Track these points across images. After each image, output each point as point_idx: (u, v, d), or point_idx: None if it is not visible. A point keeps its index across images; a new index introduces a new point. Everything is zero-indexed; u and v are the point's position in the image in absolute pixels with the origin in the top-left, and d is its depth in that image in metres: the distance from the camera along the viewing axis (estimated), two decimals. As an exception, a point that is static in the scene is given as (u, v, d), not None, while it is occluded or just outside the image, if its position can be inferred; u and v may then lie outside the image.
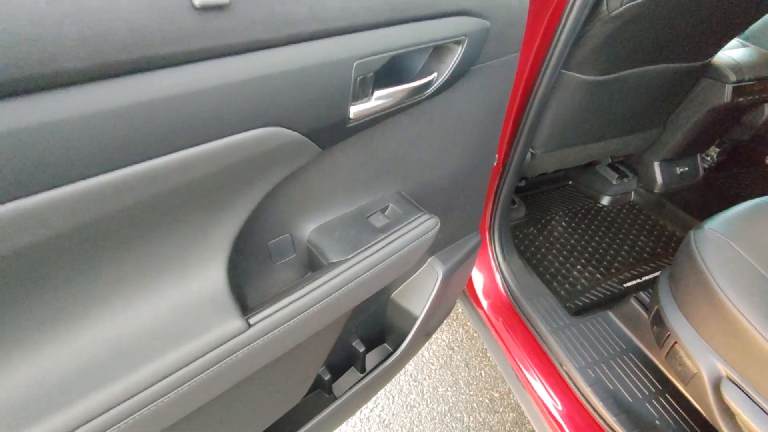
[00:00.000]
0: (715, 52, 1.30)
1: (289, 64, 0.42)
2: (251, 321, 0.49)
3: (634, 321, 1.15)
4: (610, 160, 1.73)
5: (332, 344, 0.75)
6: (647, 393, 1.03)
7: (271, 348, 0.53)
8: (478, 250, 1.06)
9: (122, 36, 0.32)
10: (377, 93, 0.54)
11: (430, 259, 0.92)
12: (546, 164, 1.42)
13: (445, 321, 1.75)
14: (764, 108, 1.56)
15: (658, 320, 0.99)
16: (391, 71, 0.59)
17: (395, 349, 0.97)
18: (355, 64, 0.47)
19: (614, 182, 1.69)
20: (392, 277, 0.67)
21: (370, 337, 0.99)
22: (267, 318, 0.50)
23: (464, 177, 0.82)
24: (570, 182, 1.82)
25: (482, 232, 1.29)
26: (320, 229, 0.63)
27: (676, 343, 0.93)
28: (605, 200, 1.71)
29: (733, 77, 1.36)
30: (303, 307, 0.54)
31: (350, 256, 0.60)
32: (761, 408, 0.77)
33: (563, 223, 1.61)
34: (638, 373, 1.07)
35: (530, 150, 1.32)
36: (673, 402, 1.02)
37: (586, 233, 1.57)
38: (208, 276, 0.49)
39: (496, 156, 1.12)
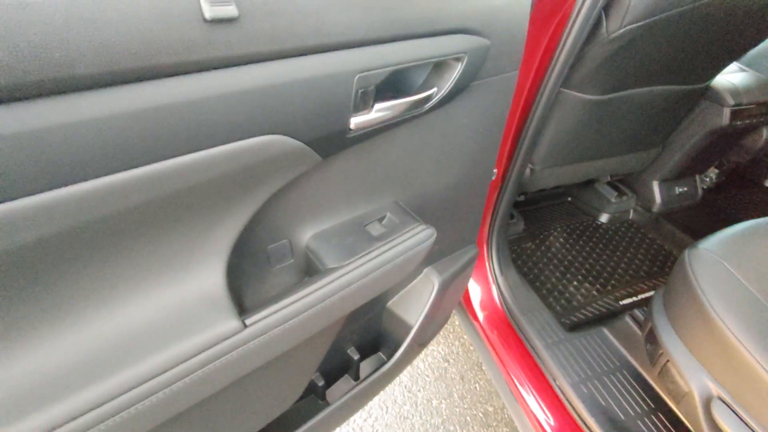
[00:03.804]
0: (714, 75, 1.33)
1: (293, 76, 0.44)
2: (247, 322, 0.50)
3: (628, 338, 1.16)
4: (609, 178, 1.75)
5: (326, 349, 0.76)
6: (639, 411, 1.03)
7: (265, 350, 0.54)
8: (475, 262, 1.07)
9: (134, 45, 0.33)
10: (378, 105, 0.56)
11: (426, 269, 0.94)
12: (545, 180, 1.43)
13: (441, 333, 1.76)
14: (762, 131, 1.58)
15: (652, 338, 0.99)
16: (392, 84, 0.61)
17: (389, 358, 0.98)
18: (356, 77, 0.49)
19: (613, 200, 1.70)
20: (387, 285, 0.68)
21: (365, 345, 1.00)
22: (263, 320, 0.52)
23: (462, 189, 0.83)
24: (569, 199, 1.83)
25: (480, 245, 1.30)
26: (318, 235, 0.65)
27: (668, 361, 0.93)
28: (604, 218, 1.72)
29: (731, 101, 1.38)
30: (298, 310, 0.55)
31: (346, 262, 0.61)
32: (752, 429, 0.77)
33: (561, 239, 1.62)
34: (631, 390, 1.07)
35: (530, 165, 1.34)
36: (665, 421, 1.02)
37: (584, 250, 1.58)
38: (208, 277, 0.50)
39: (495, 170, 1.13)
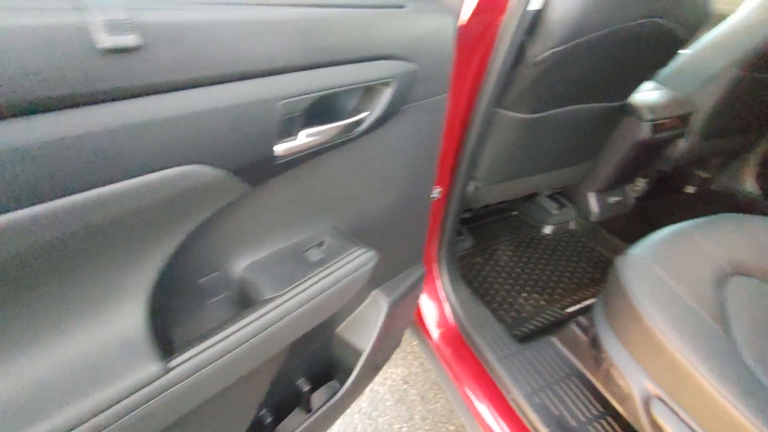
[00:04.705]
0: (631, 93, 1.44)
1: (210, 104, 0.43)
2: (171, 364, 0.47)
3: (575, 345, 1.19)
4: (550, 192, 1.83)
5: (268, 385, 0.72)
6: (590, 416, 1.06)
7: (194, 393, 0.50)
8: (423, 281, 1.07)
9: (18, 77, 0.31)
10: (307, 131, 0.55)
11: (374, 292, 0.93)
12: (489, 196, 1.48)
13: (399, 354, 1.74)
14: (680, 143, 1.73)
15: (595, 344, 1.03)
16: (325, 109, 0.61)
17: (342, 386, 0.95)
18: (279, 104, 0.48)
19: (554, 212, 1.78)
20: (330, 311, 0.67)
21: (317, 374, 0.97)
22: (189, 361, 0.48)
23: (402, 210, 0.84)
24: (514, 213, 1.90)
25: (429, 264, 1.32)
26: (254, 265, 0.63)
27: (611, 365, 0.97)
28: (547, 229, 1.80)
29: (649, 115, 1.50)
30: (231, 346, 0.53)
31: (283, 291, 0.59)
32: (688, 425, 0.81)
33: (509, 252, 1.67)
34: (581, 396, 1.10)
35: (474, 183, 1.38)
36: (614, 423, 1.05)
37: (530, 261, 1.63)
38: (126, 318, 0.46)
39: (440, 189, 1.16)
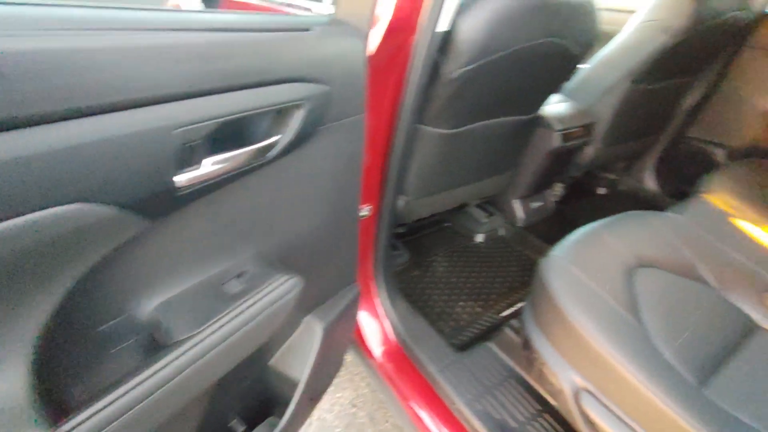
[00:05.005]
0: (540, 106, 1.55)
1: (91, 136, 0.39)
2: (60, 430, 0.42)
3: (510, 348, 1.24)
4: (478, 201, 1.91)
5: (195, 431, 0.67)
6: (528, 415, 1.10)
7: None
8: (359, 301, 1.06)
9: None
10: (214, 158, 0.53)
11: (306, 317, 0.90)
12: (420, 209, 1.51)
13: (347, 378, 1.70)
14: (589, 149, 1.88)
15: (527, 345, 1.07)
16: (236, 134, 0.59)
17: (281, 420, 0.90)
18: (175, 132, 0.46)
19: (483, 221, 1.86)
20: (253, 345, 0.64)
21: (252, 412, 0.91)
22: (85, 422, 0.43)
23: (329, 231, 0.83)
24: (448, 224, 1.96)
25: (366, 282, 1.31)
26: (165, 304, 0.58)
27: (542, 364, 1.01)
28: (479, 237, 1.86)
29: (559, 126, 1.62)
30: (139, 397, 0.48)
31: (199, 330, 0.55)
32: (614, 414, 0.86)
33: (444, 263, 1.71)
34: (519, 397, 1.13)
35: (403, 198, 1.40)
36: (551, 419, 1.09)
37: (464, 270, 1.68)
38: (4, 381, 0.41)
39: (369, 206, 1.16)
